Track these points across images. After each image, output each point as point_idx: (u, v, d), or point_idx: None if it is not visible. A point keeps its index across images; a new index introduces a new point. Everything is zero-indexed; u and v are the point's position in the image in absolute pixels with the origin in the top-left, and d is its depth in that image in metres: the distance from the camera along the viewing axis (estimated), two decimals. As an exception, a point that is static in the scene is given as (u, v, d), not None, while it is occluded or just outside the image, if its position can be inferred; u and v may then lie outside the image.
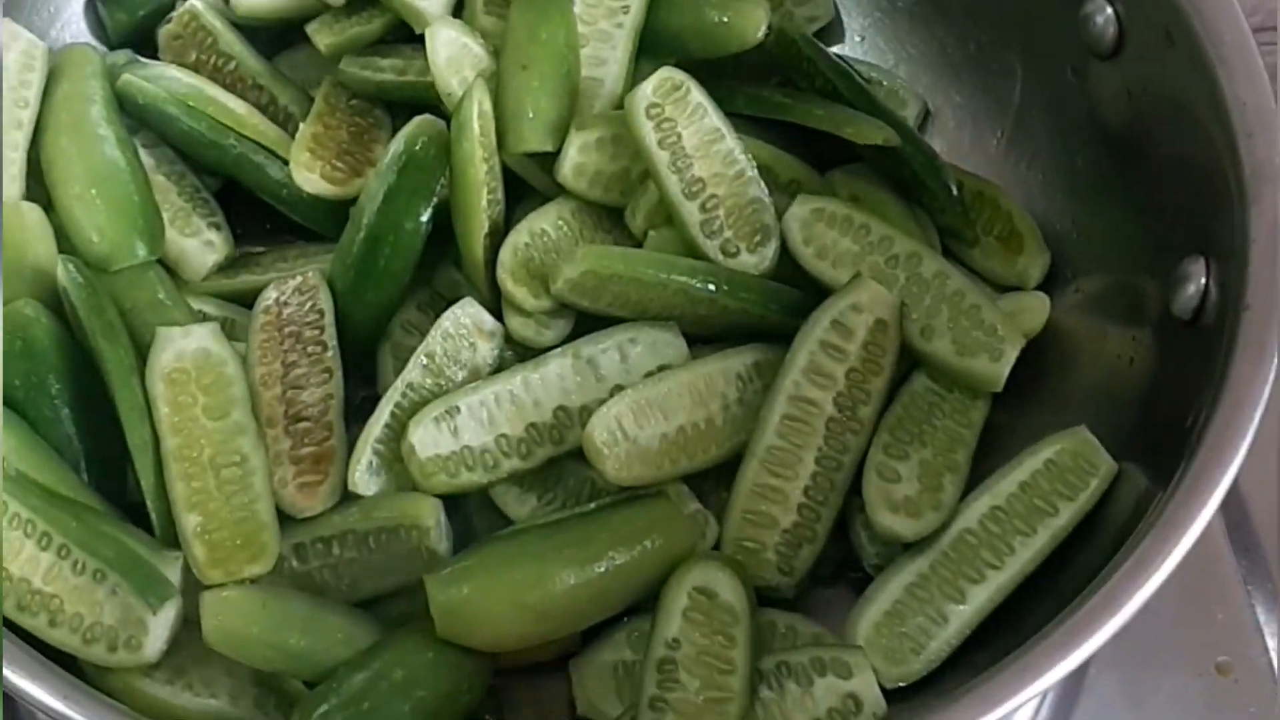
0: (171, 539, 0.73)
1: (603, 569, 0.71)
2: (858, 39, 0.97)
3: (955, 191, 0.87)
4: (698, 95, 0.82)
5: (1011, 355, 0.79)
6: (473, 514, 0.78)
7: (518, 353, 0.81)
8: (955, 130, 0.93)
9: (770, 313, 0.80)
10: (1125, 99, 0.80)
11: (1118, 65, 0.80)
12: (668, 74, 0.82)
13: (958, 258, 0.87)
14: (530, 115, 0.82)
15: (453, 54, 0.84)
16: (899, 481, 0.77)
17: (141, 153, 0.85)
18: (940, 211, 0.87)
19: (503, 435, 0.76)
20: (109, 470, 0.76)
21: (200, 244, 0.85)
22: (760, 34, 0.86)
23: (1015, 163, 0.90)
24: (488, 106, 0.81)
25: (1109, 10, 0.80)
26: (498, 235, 0.82)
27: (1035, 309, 0.84)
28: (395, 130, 0.86)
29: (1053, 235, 0.86)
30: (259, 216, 0.90)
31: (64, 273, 0.77)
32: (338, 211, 0.85)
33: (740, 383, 0.79)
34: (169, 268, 0.83)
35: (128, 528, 0.73)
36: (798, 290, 0.81)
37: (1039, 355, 0.82)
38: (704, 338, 0.82)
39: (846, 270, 0.81)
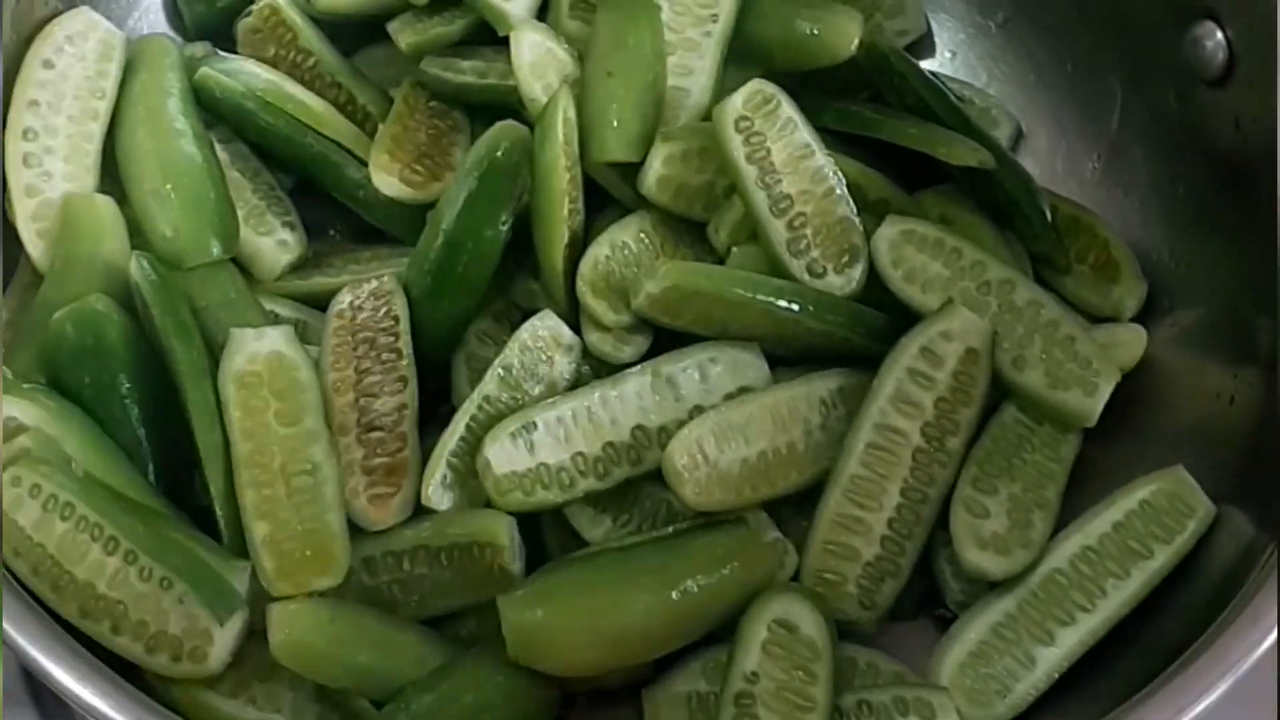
0: (240, 547, 0.71)
1: (680, 597, 0.69)
2: (949, 54, 0.94)
3: (1050, 217, 0.84)
4: (788, 109, 0.80)
5: (1106, 390, 0.76)
6: (546, 534, 0.76)
7: (595, 368, 0.79)
8: (1049, 153, 0.90)
9: (857, 336, 0.78)
10: (1233, 127, 0.77)
11: (1226, 92, 0.78)
12: (758, 86, 0.79)
13: (1051, 286, 0.84)
14: (615, 124, 0.79)
15: (537, 58, 0.82)
16: (987, 517, 0.74)
17: (217, 148, 0.84)
18: (1034, 238, 0.84)
19: (579, 453, 0.74)
20: (178, 474, 0.74)
21: (274, 243, 0.83)
22: (852, 48, 0.83)
23: (1112, 189, 0.87)
24: (573, 114, 0.79)
25: (1219, 35, 0.77)
26: (577, 246, 0.80)
27: (1131, 342, 0.81)
28: (475, 135, 0.85)
29: (1150, 265, 0.83)
30: (334, 217, 0.88)
31: (137, 269, 0.75)
32: (415, 215, 0.83)
33: (824, 408, 0.77)
34: (242, 266, 0.82)
35: (196, 534, 0.72)
36: (885, 314, 0.79)
37: (1134, 389, 0.79)
38: (786, 359, 0.79)
39: (937, 295, 0.79)
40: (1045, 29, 0.90)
